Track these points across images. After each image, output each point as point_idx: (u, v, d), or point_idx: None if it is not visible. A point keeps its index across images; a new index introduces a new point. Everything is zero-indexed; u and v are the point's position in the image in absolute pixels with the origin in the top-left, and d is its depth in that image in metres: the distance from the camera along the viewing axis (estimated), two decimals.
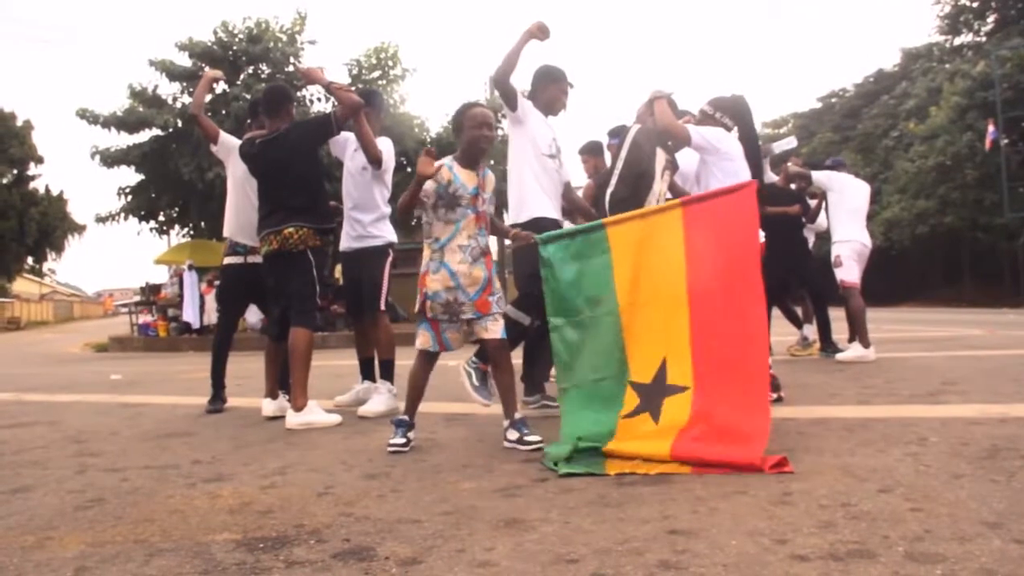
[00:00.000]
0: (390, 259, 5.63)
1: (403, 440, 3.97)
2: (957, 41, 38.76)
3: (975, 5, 36.96)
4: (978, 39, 37.26)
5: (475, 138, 4.03)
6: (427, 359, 4.13)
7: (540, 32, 4.95)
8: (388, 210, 5.69)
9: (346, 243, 5.68)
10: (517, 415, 3.98)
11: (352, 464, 3.70)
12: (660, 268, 3.83)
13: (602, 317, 3.92)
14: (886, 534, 2.31)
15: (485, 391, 4.72)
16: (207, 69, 7.12)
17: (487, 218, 4.09)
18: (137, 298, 24.35)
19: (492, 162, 4.37)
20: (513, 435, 3.92)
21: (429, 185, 3.96)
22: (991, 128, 28.44)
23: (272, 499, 3.07)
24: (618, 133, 5.70)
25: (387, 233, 5.65)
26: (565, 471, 3.31)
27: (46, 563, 2.38)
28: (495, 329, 4.00)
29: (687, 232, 3.78)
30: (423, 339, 4.05)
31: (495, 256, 4.23)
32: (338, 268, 13.63)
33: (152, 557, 2.40)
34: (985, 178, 30.49)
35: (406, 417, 4.06)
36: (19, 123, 45.27)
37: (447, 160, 4.09)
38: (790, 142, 8.62)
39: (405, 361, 7.04)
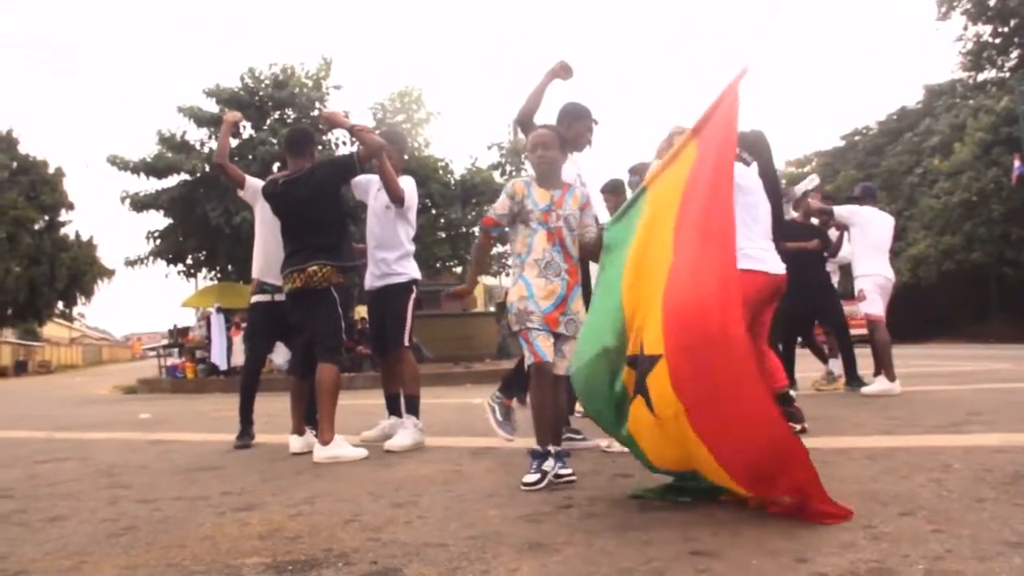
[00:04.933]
0: (414, 295, 5.69)
1: (536, 477, 3.70)
2: (980, 77, 38.68)
3: (998, 41, 36.94)
4: (1001, 75, 37.15)
5: (530, 159, 4.16)
6: (541, 373, 3.84)
7: (563, 71, 5.04)
8: (412, 248, 5.76)
9: (370, 282, 5.75)
10: (558, 449, 3.85)
11: (379, 494, 3.75)
12: (663, 212, 3.41)
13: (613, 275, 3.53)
14: (906, 553, 2.33)
15: (509, 426, 4.77)
16: (226, 112, 7.24)
17: (561, 234, 3.98)
18: (165, 341, 24.58)
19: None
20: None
21: (504, 203, 4.02)
22: (1017, 163, 28.29)
23: (301, 526, 3.13)
24: (639, 170, 5.77)
25: (411, 270, 5.71)
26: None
27: None
28: (561, 366, 3.87)
29: (696, 163, 3.36)
30: (527, 354, 3.88)
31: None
32: (362, 308, 13.76)
33: None
34: (1012, 213, 30.30)
35: (538, 448, 3.81)
36: (51, 170, 46.15)
37: (529, 180, 4.15)
38: (812, 180, 8.68)
39: (430, 400, 7.11)
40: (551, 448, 3.79)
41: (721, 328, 2.88)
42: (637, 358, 3.20)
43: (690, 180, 3.34)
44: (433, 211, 21.40)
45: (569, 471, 3.81)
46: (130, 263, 21.03)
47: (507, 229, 4.10)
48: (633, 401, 3.22)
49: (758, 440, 2.83)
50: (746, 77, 3.35)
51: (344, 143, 20.32)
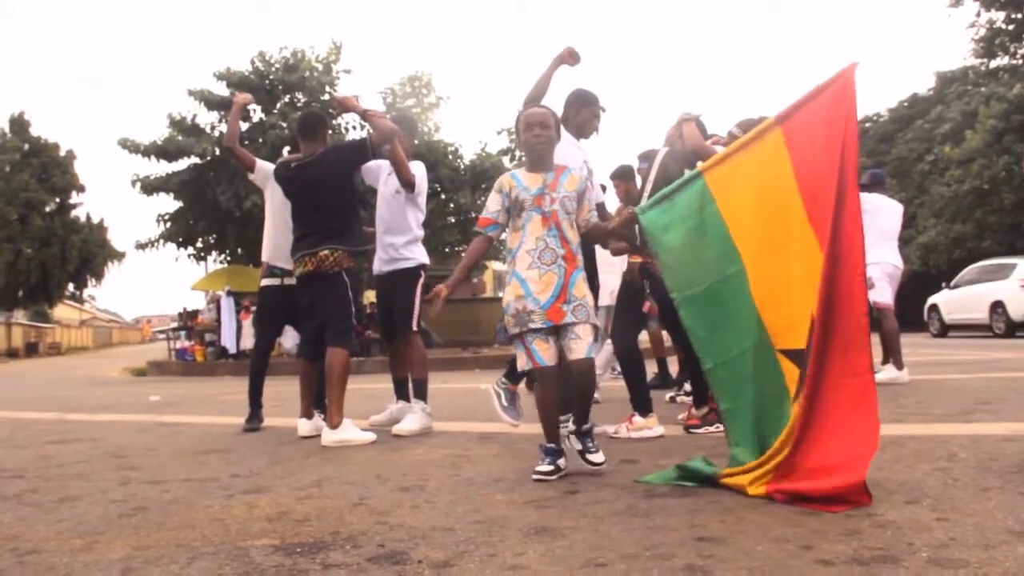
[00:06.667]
0: (422, 280, 5.70)
1: (550, 468, 3.61)
2: (993, 64, 38.36)
3: (1011, 28, 36.63)
4: (1014, 62, 36.85)
5: (526, 141, 3.93)
6: (543, 379, 3.72)
7: (571, 57, 5.03)
8: (421, 233, 5.76)
9: (379, 267, 5.75)
10: (586, 426, 3.75)
11: (386, 478, 3.78)
12: (778, 204, 3.32)
13: (731, 278, 3.43)
14: (911, 541, 2.34)
15: (514, 411, 4.77)
16: (236, 94, 7.22)
17: (557, 218, 3.75)
18: (175, 324, 24.67)
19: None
20: (576, 444, 3.76)
21: (495, 198, 3.89)
22: None
23: (309, 509, 3.16)
24: (648, 157, 5.75)
25: (419, 255, 5.72)
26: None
27: (94, 563, 2.49)
28: (578, 348, 3.65)
29: (792, 153, 3.28)
30: (520, 359, 3.75)
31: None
32: (371, 293, 13.80)
33: (194, 560, 2.49)
34: (1023, 202, 30.14)
35: (552, 445, 3.70)
36: (62, 153, 46.23)
37: (515, 170, 4.00)
38: None
39: (438, 385, 7.13)
40: (581, 427, 3.75)
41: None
42: (802, 352, 3.12)
43: (800, 175, 3.25)
44: (442, 196, 21.40)
45: (601, 459, 3.70)
46: (140, 246, 21.11)
47: (507, 228, 3.89)
48: (796, 401, 3.10)
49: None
50: (857, 71, 3.13)
51: (355, 127, 20.30)
